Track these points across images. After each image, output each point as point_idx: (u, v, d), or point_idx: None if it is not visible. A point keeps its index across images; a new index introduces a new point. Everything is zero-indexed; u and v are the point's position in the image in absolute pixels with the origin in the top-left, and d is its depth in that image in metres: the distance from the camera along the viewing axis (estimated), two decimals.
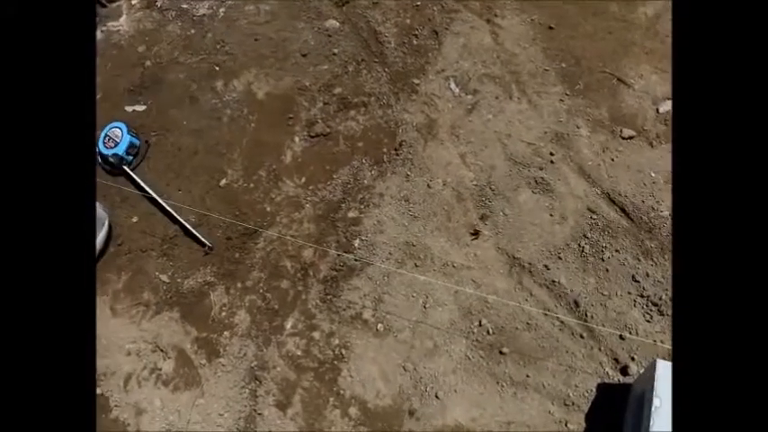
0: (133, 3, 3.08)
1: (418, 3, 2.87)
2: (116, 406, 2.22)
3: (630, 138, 2.42)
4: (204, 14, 3.00)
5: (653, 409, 1.70)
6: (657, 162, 2.36)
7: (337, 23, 2.85)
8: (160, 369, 2.25)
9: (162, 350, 2.28)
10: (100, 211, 2.47)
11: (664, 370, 1.76)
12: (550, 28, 2.74)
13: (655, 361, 1.79)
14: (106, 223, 2.45)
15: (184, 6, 3.05)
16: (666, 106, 2.47)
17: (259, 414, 2.11)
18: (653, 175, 2.33)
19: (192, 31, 2.97)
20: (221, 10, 3.01)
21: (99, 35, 3.04)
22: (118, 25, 3.05)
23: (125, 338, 2.32)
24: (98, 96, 2.85)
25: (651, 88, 2.53)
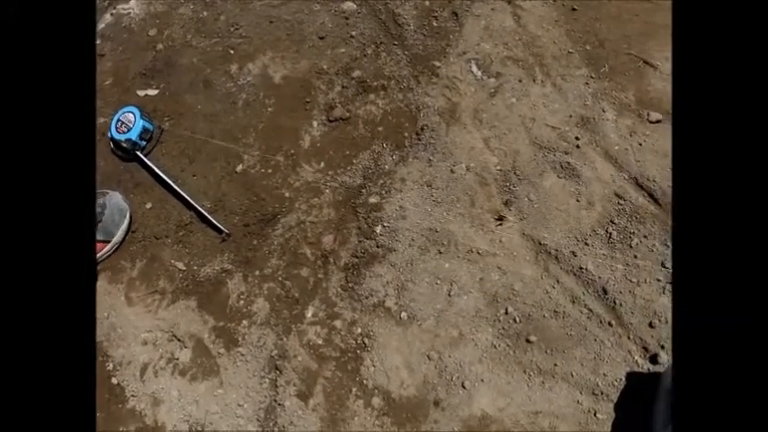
0: None
1: None
2: (132, 396, 2.17)
3: (658, 121, 2.36)
4: None
5: None
6: None
7: (354, 5, 2.77)
8: (177, 359, 2.20)
9: (179, 339, 2.23)
10: (122, 202, 2.42)
11: None
12: (573, 9, 2.67)
13: None
14: (128, 215, 2.40)
15: None
16: None
17: (280, 404, 2.06)
18: None
19: (205, 14, 2.90)
20: None
21: (108, 18, 2.97)
22: (128, 8, 2.98)
23: (141, 327, 2.27)
24: (109, 81, 2.79)
25: None
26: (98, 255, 2.36)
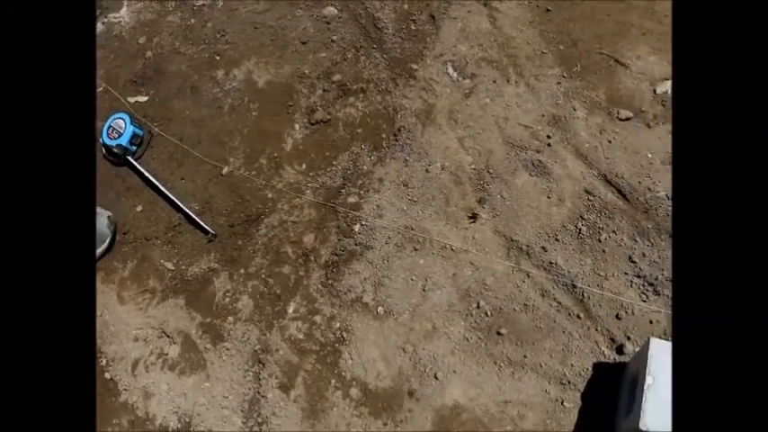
0: None
1: None
2: (125, 390, 2.28)
3: (628, 119, 2.43)
4: (204, 4, 3.03)
5: (646, 386, 1.73)
6: (654, 143, 2.37)
7: (336, 10, 2.86)
8: (167, 354, 2.31)
9: (168, 336, 2.33)
10: (105, 228, 2.48)
11: (657, 348, 1.79)
12: (548, 10, 2.74)
13: (648, 340, 1.82)
14: (107, 242, 2.48)
15: None
16: (664, 87, 2.47)
17: (263, 396, 2.17)
18: (649, 155, 2.34)
19: (192, 21, 2.99)
20: None
21: (100, 27, 3.07)
22: (119, 17, 3.08)
23: (132, 325, 2.38)
24: (100, 88, 2.90)
25: (648, 69, 2.53)
26: None
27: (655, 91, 2.48)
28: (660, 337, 1.87)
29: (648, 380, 1.74)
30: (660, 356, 1.77)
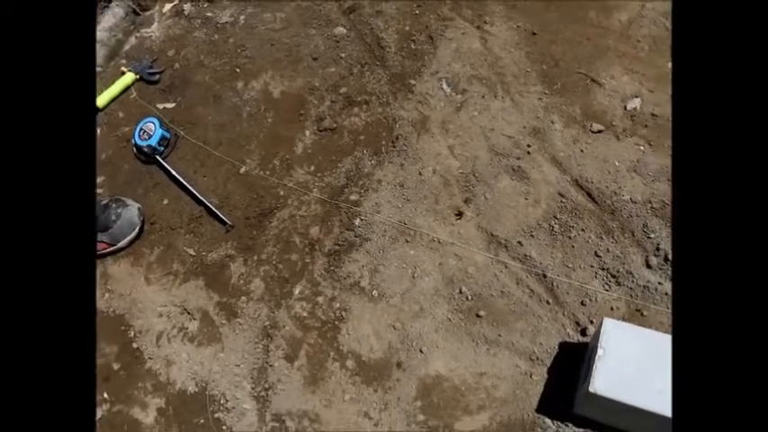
0: (164, 12, 3.47)
1: (417, 11, 3.22)
2: (149, 358, 2.60)
3: (599, 131, 2.74)
4: (227, 22, 3.39)
5: (597, 357, 2.02)
6: (622, 153, 2.68)
7: (344, 30, 3.20)
8: (187, 328, 2.62)
9: (189, 312, 2.65)
10: (135, 218, 2.79)
11: (609, 325, 2.08)
12: (534, 33, 3.07)
13: (603, 319, 2.11)
14: (136, 230, 2.80)
15: (209, 15, 3.44)
16: (633, 103, 2.79)
17: (270, 366, 2.48)
18: (617, 164, 2.64)
19: (216, 37, 3.35)
20: (242, 18, 3.39)
21: (133, 40, 3.43)
22: (150, 32, 3.45)
23: (157, 302, 2.70)
24: (133, 95, 3.25)
25: (621, 87, 2.85)
26: (100, 251, 2.79)
27: (625, 107, 2.79)
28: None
29: (600, 351, 2.02)
30: (611, 332, 2.06)
